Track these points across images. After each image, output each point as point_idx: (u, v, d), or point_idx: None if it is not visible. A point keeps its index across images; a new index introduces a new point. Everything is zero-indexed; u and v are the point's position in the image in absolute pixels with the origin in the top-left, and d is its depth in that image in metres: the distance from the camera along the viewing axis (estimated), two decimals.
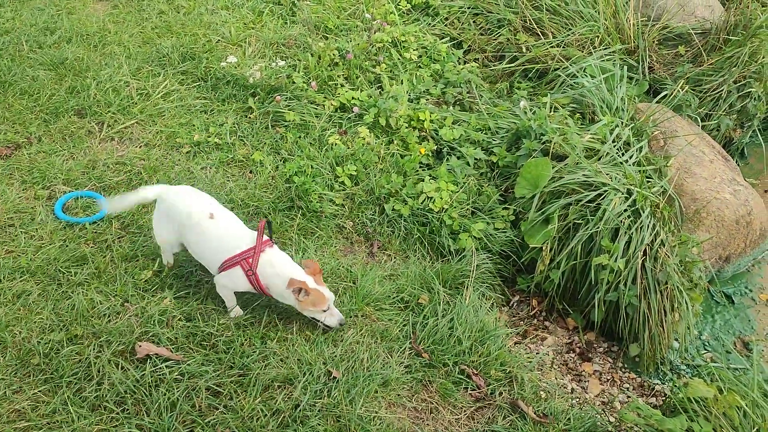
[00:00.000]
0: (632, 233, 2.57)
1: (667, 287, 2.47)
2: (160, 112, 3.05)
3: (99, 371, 1.92)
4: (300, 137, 3.02)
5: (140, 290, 2.23)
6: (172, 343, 2.04)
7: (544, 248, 2.71)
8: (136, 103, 3.06)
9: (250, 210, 2.68)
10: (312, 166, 2.87)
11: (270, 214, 2.66)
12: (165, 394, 1.87)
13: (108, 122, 2.97)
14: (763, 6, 3.50)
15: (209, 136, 2.97)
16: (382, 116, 3.11)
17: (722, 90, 3.36)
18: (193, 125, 3.01)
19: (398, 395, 2.05)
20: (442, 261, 2.72)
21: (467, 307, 2.38)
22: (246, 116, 3.13)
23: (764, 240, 3.00)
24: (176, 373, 1.93)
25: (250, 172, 2.88)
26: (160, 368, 1.93)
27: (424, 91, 3.44)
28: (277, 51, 3.48)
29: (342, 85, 3.33)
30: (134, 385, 1.89)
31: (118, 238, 2.44)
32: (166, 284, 2.26)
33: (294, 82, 3.24)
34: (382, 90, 3.36)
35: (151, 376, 1.91)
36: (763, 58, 3.27)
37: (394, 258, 2.71)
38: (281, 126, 3.08)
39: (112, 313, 2.13)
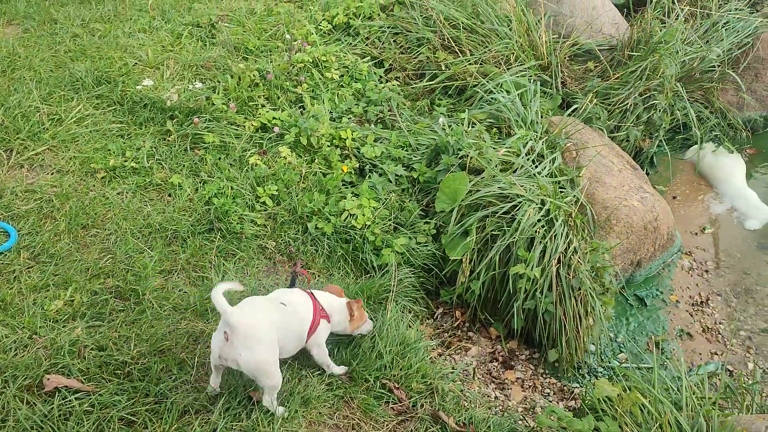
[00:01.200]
0: (547, 242, 2.66)
1: (580, 293, 2.56)
2: (74, 138, 2.98)
3: (3, 407, 1.85)
4: (220, 159, 3.00)
5: (50, 321, 2.15)
6: (84, 374, 1.98)
7: (464, 260, 2.77)
8: (47, 129, 2.97)
9: (169, 234, 2.63)
10: (232, 187, 2.85)
11: (189, 237, 2.63)
12: (74, 428, 1.81)
13: (17, 149, 2.87)
14: (662, 23, 3.69)
15: (126, 161, 2.91)
16: (303, 136, 3.12)
17: (629, 102, 3.53)
18: (109, 150, 2.94)
19: (319, 413, 2.05)
20: (366, 277, 2.75)
21: (389, 322, 2.40)
22: (164, 139, 3.09)
23: (672, 244, 3.15)
24: (87, 405, 1.87)
25: (169, 195, 2.84)
26: (70, 400, 1.87)
27: (346, 110, 3.48)
28: (196, 73, 3.45)
29: (263, 106, 3.33)
30: (41, 420, 1.82)
31: (27, 268, 2.36)
32: (78, 313, 2.20)
33: (213, 104, 3.22)
34: (304, 110, 3.38)
35: (60, 410, 1.84)
36: (663, 72, 3.45)
37: (318, 276, 2.71)
38: (200, 148, 3.05)
39: (18, 347, 2.05)
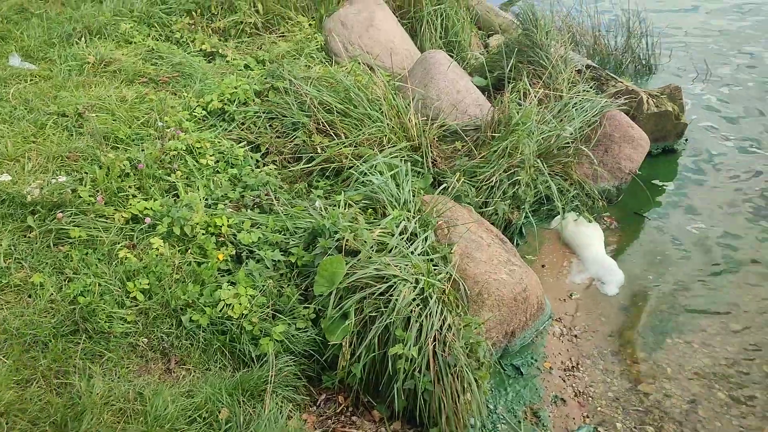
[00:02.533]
0: (422, 320, 2.72)
1: (456, 369, 2.62)
2: None
3: None
4: (87, 254, 2.88)
5: None
6: None
7: (344, 344, 2.77)
8: None
9: (27, 339, 2.47)
10: (100, 284, 2.74)
11: (50, 341, 2.47)
12: None
13: None
14: (519, 105, 3.98)
15: None
16: (176, 225, 3.06)
17: (495, 179, 3.75)
18: None
19: None
20: (245, 369, 2.68)
21: (268, 415, 2.34)
22: (24, 236, 2.92)
23: (543, 312, 3.31)
24: None
25: (29, 296, 2.67)
26: None
27: (222, 196, 3.47)
28: (61, 165, 3.33)
29: (134, 196, 3.25)
30: None
31: None
32: None
33: (80, 197, 3.11)
34: (178, 198, 3.33)
35: None
36: (523, 150, 3.71)
37: (194, 372, 2.62)
38: (65, 244, 2.91)
39: None
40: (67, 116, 3.70)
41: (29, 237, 2.92)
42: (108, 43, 4.69)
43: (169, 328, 2.72)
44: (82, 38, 4.69)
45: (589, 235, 3.97)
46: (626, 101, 4.52)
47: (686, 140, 4.91)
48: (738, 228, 4.12)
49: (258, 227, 3.26)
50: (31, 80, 4.09)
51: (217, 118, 4.06)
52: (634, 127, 4.34)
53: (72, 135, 3.58)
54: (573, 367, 3.17)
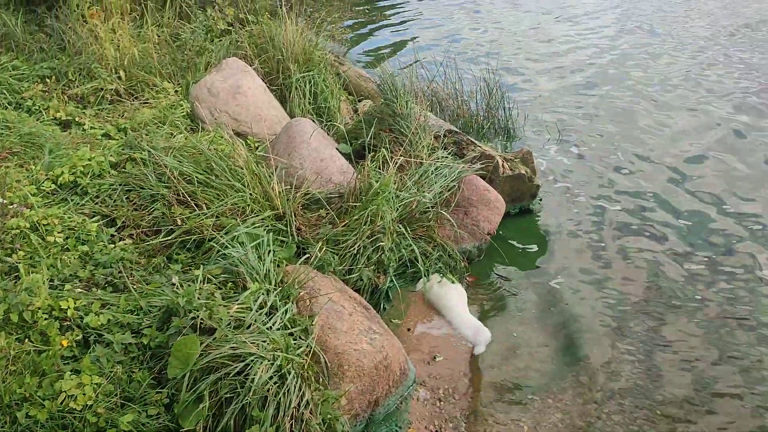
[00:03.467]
0: (280, 398, 2.67)
1: None
2: None
3: None
4: None
5: None
6: None
7: (197, 429, 2.66)
8: None
9: None
10: None
11: None
12: None
13: None
14: (381, 172, 4.10)
15: None
16: (13, 312, 2.85)
17: (358, 246, 3.80)
18: None
19: None
20: None
21: None
22: None
23: (406, 378, 3.35)
24: None
25: None
26: None
27: (70, 276, 3.28)
28: None
29: None
30: None
31: None
32: None
33: None
34: (18, 280, 3.11)
35: None
36: (384, 217, 3.81)
37: None
38: None
39: None
40: None
41: None
42: None
43: (2, 427, 2.49)
44: None
45: (452, 296, 4.09)
46: (483, 165, 4.77)
47: (540, 200, 5.23)
48: (591, 283, 4.40)
49: (108, 308, 3.10)
50: None
51: (69, 192, 3.88)
52: (490, 190, 4.58)
53: None
54: (436, 431, 3.21)
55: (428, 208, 4.28)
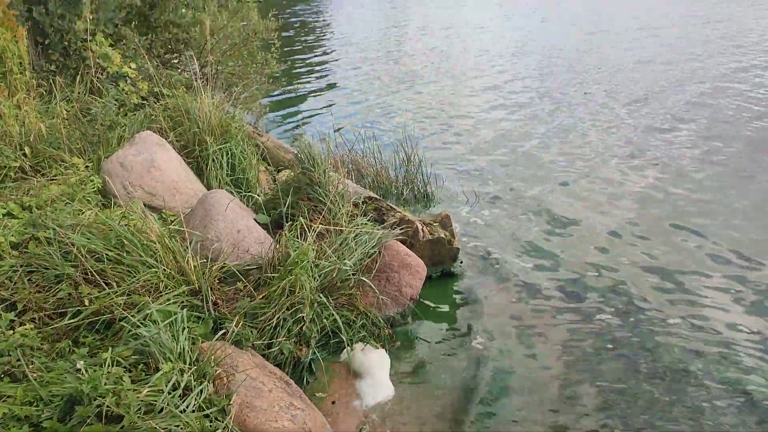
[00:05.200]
0: None
1: None
2: None
3: None
4: None
5: None
6: None
7: None
8: None
9: None
10: None
11: None
12: None
13: None
14: (300, 241, 4.06)
15: None
16: None
17: (278, 318, 3.71)
18: None
19: None
20: None
21: None
22: None
23: None
24: None
25: None
26: None
27: None
28: None
29: None
30: None
31: None
32: None
33: None
34: None
35: None
36: (303, 287, 3.74)
37: None
38: None
39: None
40: None
41: None
42: None
43: None
44: None
45: (377, 362, 4.02)
46: (403, 231, 4.81)
47: (461, 262, 5.30)
48: (512, 345, 4.43)
49: (4, 400, 2.86)
50: None
51: None
52: (410, 255, 4.60)
53: None
54: None
55: (349, 275, 4.25)
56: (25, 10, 5.75)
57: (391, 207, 5.33)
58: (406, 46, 17.37)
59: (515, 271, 5.31)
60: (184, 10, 7.52)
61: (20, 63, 5.33)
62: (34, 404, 2.88)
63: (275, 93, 10.74)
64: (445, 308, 4.83)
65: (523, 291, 5.04)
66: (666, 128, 9.13)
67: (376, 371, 3.98)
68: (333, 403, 3.79)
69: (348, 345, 4.05)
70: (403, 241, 4.80)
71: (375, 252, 4.48)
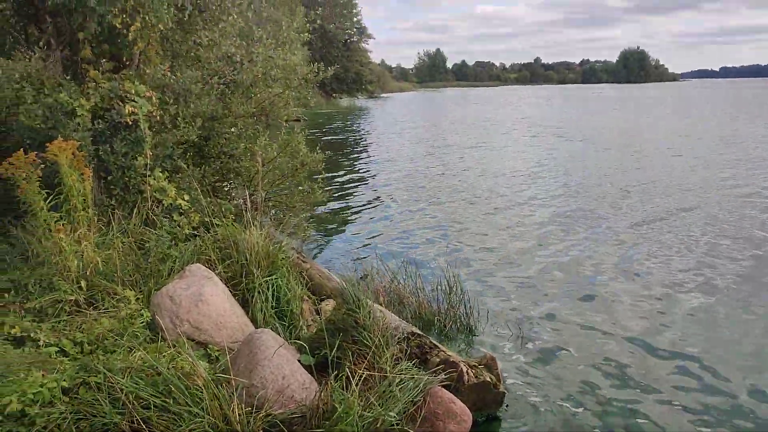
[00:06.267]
0: None
1: None
2: None
3: None
4: None
5: None
6: None
7: None
8: None
9: None
10: None
11: None
12: None
13: None
14: (341, 395, 4.02)
15: None
16: None
17: None
18: None
19: None
20: None
21: None
22: None
23: None
24: None
25: None
26: None
27: None
28: None
29: None
30: None
31: None
32: None
33: None
34: None
35: None
36: None
37: None
38: None
39: None
40: None
41: None
42: None
43: None
44: None
45: None
46: (447, 375, 4.74)
47: (507, 406, 5.16)
48: None
49: None
50: None
51: (16, 423, 3.68)
52: (455, 402, 4.51)
53: None
54: None
55: (393, 425, 4.17)
56: (92, 150, 6.14)
57: (434, 345, 5.29)
58: (441, 161, 17.80)
59: (562, 416, 5.13)
60: (236, 142, 7.92)
61: (84, 200, 5.62)
62: None
63: (319, 217, 11.03)
64: None
65: None
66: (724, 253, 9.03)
67: None
68: None
69: None
70: (446, 386, 4.72)
71: (419, 400, 4.40)
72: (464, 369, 4.93)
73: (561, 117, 36.23)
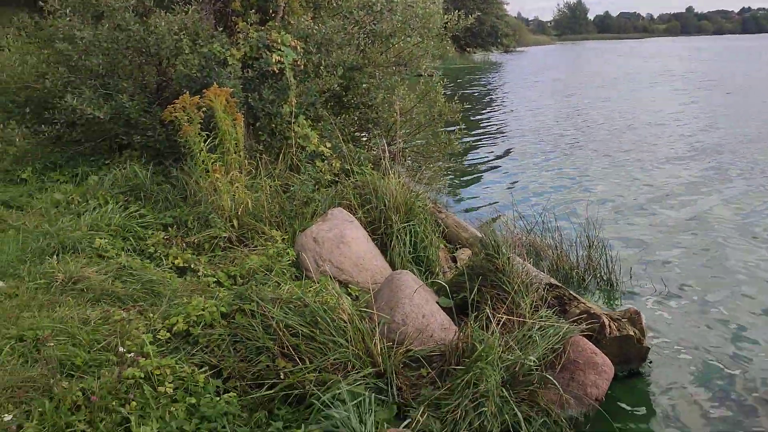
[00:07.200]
0: None
1: None
2: None
3: None
4: None
5: None
6: None
7: None
8: None
9: None
10: None
11: None
12: None
13: None
14: (484, 331, 4.03)
15: None
16: None
17: (459, 411, 3.67)
18: None
19: None
20: None
21: None
22: None
23: None
24: None
25: None
26: None
27: (176, 429, 3.33)
28: (11, 396, 3.21)
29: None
30: None
31: None
32: None
33: None
34: None
35: None
36: (487, 383, 3.69)
37: None
38: None
39: None
40: (25, 341, 3.64)
41: None
42: (80, 258, 4.77)
43: None
44: (55, 254, 4.77)
45: None
46: (588, 326, 4.61)
47: (650, 362, 4.94)
48: None
49: None
50: None
51: (181, 341, 4.03)
52: (597, 353, 4.38)
53: (27, 362, 3.50)
54: None
55: (531, 370, 4.12)
56: (242, 98, 6.47)
57: (574, 296, 5.14)
58: (583, 115, 17.04)
59: (709, 375, 4.84)
60: (375, 92, 8.00)
61: (236, 144, 5.96)
62: None
63: (454, 168, 10.98)
64: (634, 412, 4.49)
65: (719, 397, 4.57)
66: None
67: None
68: None
69: None
70: (588, 336, 4.58)
71: (559, 348, 4.31)
72: (606, 321, 4.76)
73: (713, 70, 33.31)
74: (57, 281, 4.33)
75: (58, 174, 6.75)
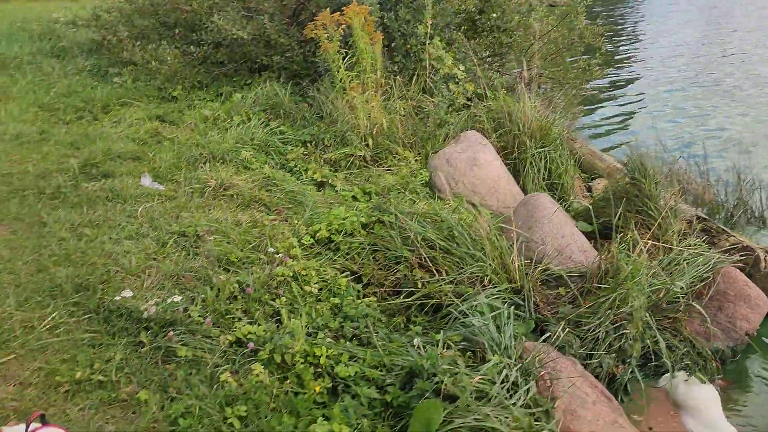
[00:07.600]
0: None
1: None
2: (43, 347, 2.93)
3: None
4: (191, 374, 2.94)
5: None
6: None
7: None
8: (17, 337, 2.94)
9: None
10: (200, 407, 2.77)
11: None
12: None
13: None
14: (627, 256, 3.88)
15: (93, 373, 2.84)
16: (277, 353, 3.10)
17: (600, 331, 3.60)
18: (77, 361, 2.88)
19: None
20: None
21: None
22: (136, 351, 3.04)
23: None
24: None
25: (133, 413, 2.73)
26: None
27: (322, 325, 3.50)
28: (177, 283, 3.50)
29: (240, 319, 3.35)
30: None
31: None
32: None
33: (190, 317, 3.23)
34: (281, 324, 3.39)
35: None
36: (631, 305, 3.57)
37: None
38: (172, 362, 3.00)
39: None
40: (187, 236, 3.93)
41: (140, 352, 3.03)
42: (229, 168, 5.04)
43: None
44: (206, 163, 5.07)
45: (704, 398, 3.67)
46: (741, 258, 4.32)
47: None
48: None
49: (356, 361, 3.24)
50: (158, 200, 4.42)
51: (323, 247, 4.20)
52: (750, 285, 4.11)
53: (189, 255, 3.79)
54: None
55: (677, 298, 3.95)
56: (379, 17, 6.43)
57: (723, 230, 4.83)
58: (730, 48, 15.56)
59: None
60: (510, 15, 7.69)
61: (373, 64, 5.97)
62: (379, 369, 3.21)
63: (591, 97, 10.43)
64: None
65: None
66: None
67: (709, 409, 3.63)
68: (650, 429, 3.57)
69: (670, 371, 3.77)
70: (740, 269, 4.30)
71: (708, 277, 4.09)
72: (762, 255, 4.44)
73: None
74: (210, 187, 4.61)
75: (205, 93, 7.11)
